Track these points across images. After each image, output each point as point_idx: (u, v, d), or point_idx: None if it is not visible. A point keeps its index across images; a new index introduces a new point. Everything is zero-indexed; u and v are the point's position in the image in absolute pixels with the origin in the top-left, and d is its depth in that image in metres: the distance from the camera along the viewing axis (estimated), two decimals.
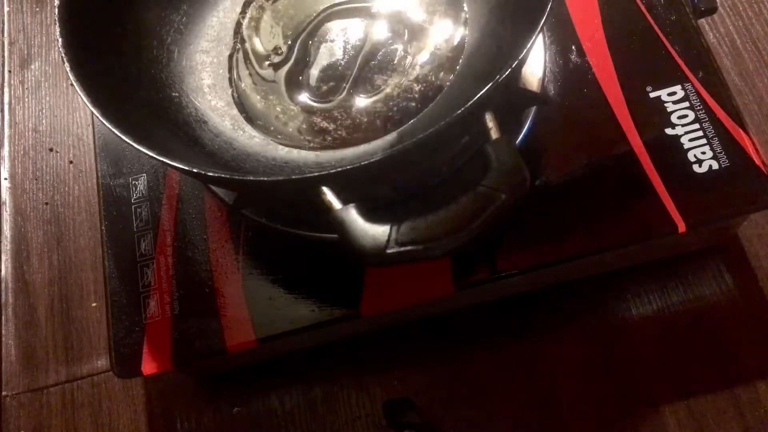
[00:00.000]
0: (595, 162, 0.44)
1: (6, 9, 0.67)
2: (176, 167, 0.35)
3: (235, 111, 0.45)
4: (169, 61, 0.46)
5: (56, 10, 0.38)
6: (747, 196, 0.42)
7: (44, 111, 0.62)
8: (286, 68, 0.46)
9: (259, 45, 0.47)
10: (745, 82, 0.55)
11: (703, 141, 0.43)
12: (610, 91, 0.45)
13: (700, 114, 0.44)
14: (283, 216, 0.43)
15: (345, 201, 0.32)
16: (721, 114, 0.44)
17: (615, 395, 0.47)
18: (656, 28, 0.47)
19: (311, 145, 0.43)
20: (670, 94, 0.45)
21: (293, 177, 0.34)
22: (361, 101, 0.44)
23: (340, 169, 0.32)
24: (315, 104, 0.45)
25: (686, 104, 0.44)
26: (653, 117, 0.44)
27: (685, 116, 0.44)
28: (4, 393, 0.52)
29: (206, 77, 0.47)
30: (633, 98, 0.45)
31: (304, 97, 0.45)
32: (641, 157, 0.43)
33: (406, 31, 0.46)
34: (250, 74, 0.46)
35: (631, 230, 0.42)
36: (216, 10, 0.49)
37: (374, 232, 0.31)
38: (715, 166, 0.42)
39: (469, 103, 0.32)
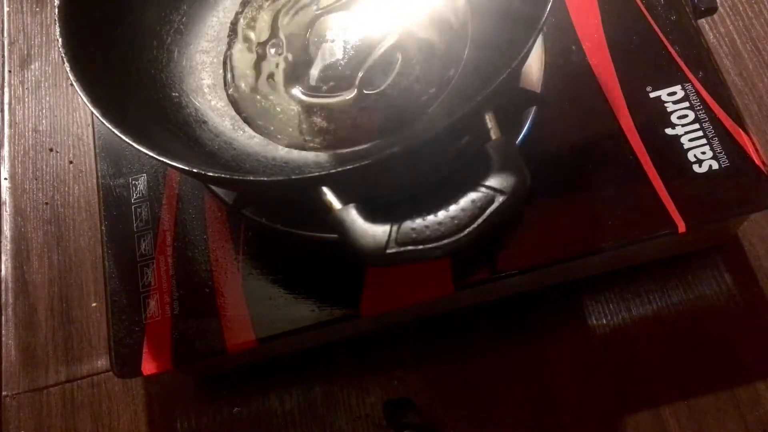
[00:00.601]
0: (595, 162, 0.44)
1: (6, 9, 0.67)
2: (176, 167, 0.35)
3: (234, 111, 0.45)
4: (169, 61, 0.46)
5: (56, 10, 0.38)
6: (747, 196, 0.42)
7: (44, 111, 0.62)
8: (286, 68, 0.46)
9: (259, 45, 0.47)
10: (745, 82, 0.55)
11: (703, 141, 0.43)
12: (610, 91, 0.45)
13: (700, 114, 0.44)
14: (283, 216, 0.43)
15: (345, 201, 0.32)
16: (721, 114, 0.44)
17: (615, 395, 0.47)
18: (656, 28, 0.47)
19: (311, 145, 0.43)
20: (670, 94, 0.45)
21: (293, 177, 0.34)
22: (362, 101, 0.44)
23: (340, 169, 0.32)
24: (315, 104, 0.45)
25: (686, 104, 0.44)
26: (653, 117, 0.44)
27: (685, 116, 0.44)
28: (4, 393, 0.52)
29: (206, 77, 0.47)
30: (633, 98, 0.45)
31: (304, 97, 0.45)
32: (641, 157, 0.43)
33: (407, 31, 0.46)
34: (250, 74, 0.46)
35: (631, 230, 0.42)
36: (216, 10, 0.49)
37: (374, 232, 0.31)
38: (715, 166, 0.42)
39: (469, 104, 0.32)
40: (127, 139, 0.34)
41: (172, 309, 0.43)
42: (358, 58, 0.45)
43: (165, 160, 0.34)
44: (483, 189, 0.31)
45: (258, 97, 0.46)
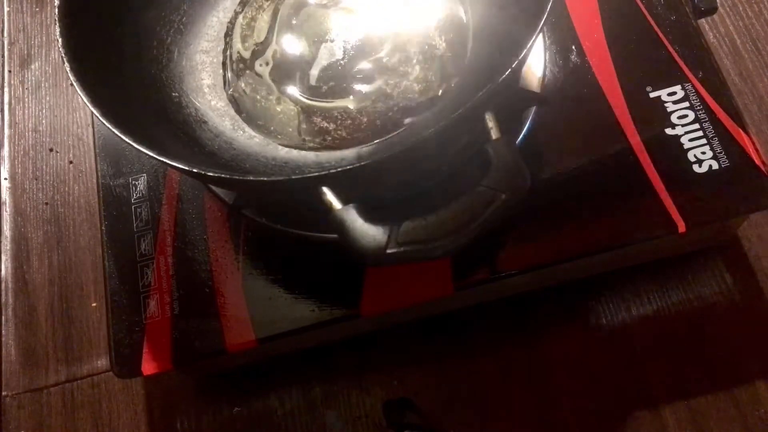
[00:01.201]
0: (595, 162, 0.44)
1: (6, 9, 0.67)
2: (176, 167, 0.35)
3: (234, 111, 0.45)
4: (169, 61, 0.46)
5: (56, 10, 0.38)
6: (747, 196, 0.42)
7: (44, 111, 0.62)
8: (286, 68, 0.46)
9: (259, 45, 0.47)
10: (745, 82, 0.55)
11: (703, 141, 0.43)
12: (610, 91, 0.45)
13: (700, 114, 0.44)
14: (283, 216, 0.43)
15: (345, 201, 0.32)
16: (721, 114, 0.44)
17: (615, 395, 0.47)
18: (656, 28, 0.47)
19: (311, 145, 0.43)
20: (670, 94, 0.45)
21: (293, 177, 0.34)
22: (362, 101, 0.44)
23: (340, 169, 0.32)
24: (315, 104, 0.45)
25: (686, 104, 0.44)
26: (653, 117, 0.44)
27: (685, 116, 0.44)
28: (4, 393, 0.52)
29: (206, 77, 0.47)
30: (633, 98, 0.45)
31: (304, 97, 0.45)
32: (641, 157, 0.43)
33: (408, 31, 0.46)
34: (250, 74, 0.46)
35: (631, 230, 0.42)
36: (216, 10, 0.49)
37: (374, 232, 0.31)
38: (715, 166, 0.42)
39: (470, 103, 0.32)
40: (127, 139, 0.34)
41: (172, 309, 0.43)
42: (359, 58, 0.45)
43: (165, 160, 0.34)
44: (483, 188, 0.31)
45: (258, 97, 0.46)
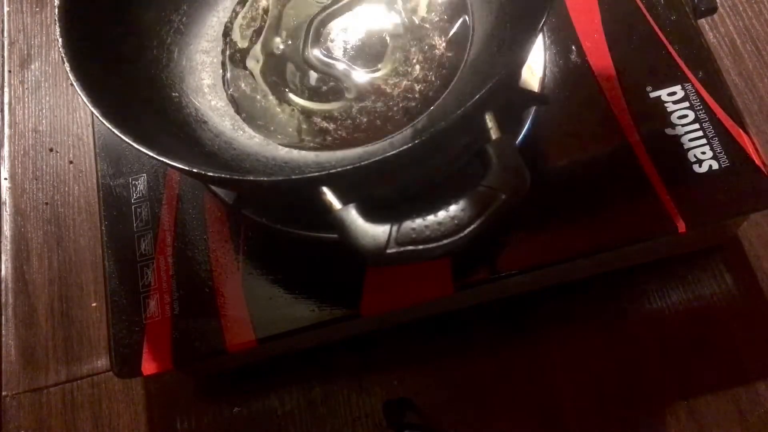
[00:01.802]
0: (595, 162, 0.44)
1: (6, 9, 0.67)
2: (176, 167, 0.35)
3: (234, 111, 0.45)
4: (169, 61, 0.46)
5: (56, 10, 0.38)
6: (747, 196, 0.42)
7: (44, 111, 0.63)
8: (286, 68, 0.46)
9: (259, 45, 0.47)
10: (745, 82, 0.55)
11: (703, 141, 0.43)
12: (610, 91, 0.45)
13: (700, 114, 0.44)
14: (283, 216, 0.43)
15: (345, 201, 0.32)
16: (721, 114, 0.44)
17: (615, 395, 0.47)
18: (656, 28, 0.47)
19: (311, 145, 0.43)
20: (670, 94, 0.45)
21: (293, 177, 0.34)
22: (362, 101, 0.44)
23: (340, 169, 0.32)
24: (315, 104, 0.45)
25: (686, 104, 0.44)
26: (653, 117, 0.44)
27: (685, 116, 0.44)
28: (4, 393, 0.52)
29: (206, 77, 0.47)
30: (633, 98, 0.45)
31: (304, 97, 0.45)
32: (641, 157, 0.43)
33: (408, 31, 0.46)
34: (250, 74, 0.46)
35: (631, 230, 0.42)
36: (216, 10, 0.49)
37: (374, 232, 0.31)
38: (715, 166, 0.42)
39: (469, 103, 0.32)
40: (127, 139, 0.34)
41: (172, 309, 0.43)
42: (359, 58, 0.45)
43: (165, 160, 0.34)
44: (483, 188, 0.31)
45: (258, 97, 0.46)
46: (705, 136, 0.43)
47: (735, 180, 0.42)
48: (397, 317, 0.48)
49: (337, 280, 0.43)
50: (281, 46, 0.47)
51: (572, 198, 0.43)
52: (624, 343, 0.49)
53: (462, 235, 0.31)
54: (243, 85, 0.46)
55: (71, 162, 0.60)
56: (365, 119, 0.44)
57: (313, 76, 0.46)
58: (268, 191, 0.39)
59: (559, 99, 0.46)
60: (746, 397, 0.46)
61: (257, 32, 0.48)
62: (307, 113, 0.45)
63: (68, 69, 0.37)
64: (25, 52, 0.65)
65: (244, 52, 0.47)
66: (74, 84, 0.36)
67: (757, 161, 0.42)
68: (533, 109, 0.44)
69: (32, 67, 0.65)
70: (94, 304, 0.54)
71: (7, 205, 0.59)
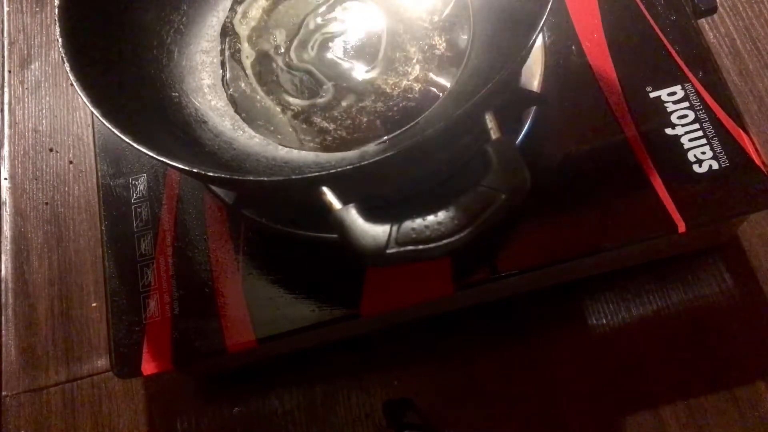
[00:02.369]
0: (595, 162, 0.44)
1: (6, 9, 0.67)
2: (176, 167, 0.35)
3: (234, 111, 0.45)
4: (169, 61, 0.46)
5: (56, 10, 0.38)
6: (747, 196, 0.42)
7: (44, 111, 0.63)
8: (285, 68, 0.46)
9: (259, 44, 0.47)
10: (745, 82, 0.55)
11: (703, 141, 0.43)
12: (610, 91, 0.45)
13: (700, 114, 0.44)
14: (283, 216, 0.43)
15: (345, 201, 0.32)
16: (721, 114, 0.44)
17: (615, 395, 0.47)
18: (656, 28, 0.47)
19: (311, 145, 0.43)
20: (670, 94, 0.45)
21: (293, 177, 0.34)
22: (362, 101, 0.44)
23: (340, 169, 0.32)
24: (315, 104, 0.45)
25: (686, 104, 0.44)
26: (653, 117, 0.44)
27: (685, 116, 0.44)
28: (4, 393, 0.52)
29: (206, 77, 0.47)
30: (633, 98, 0.45)
31: (303, 98, 0.45)
32: (641, 157, 0.43)
33: (408, 31, 0.46)
34: (250, 74, 0.46)
35: (631, 230, 0.42)
36: (216, 10, 0.49)
37: (374, 232, 0.31)
38: (715, 166, 0.42)
39: (469, 104, 0.32)
40: (127, 139, 0.34)
41: (172, 309, 0.43)
42: (358, 58, 0.45)
43: (165, 160, 0.34)
44: (483, 188, 0.31)
45: (258, 97, 0.46)
46: (705, 136, 0.43)
47: (735, 180, 0.42)
48: (397, 317, 0.48)
49: (337, 280, 0.43)
50: (281, 46, 0.47)
51: (572, 198, 0.43)
52: (624, 343, 0.49)
53: (462, 234, 0.31)
54: (243, 85, 0.46)
55: (71, 162, 0.60)
56: (365, 119, 0.44)
57: (313, 76, 0.46)
58: (268, 191, 0.39)
59: (559, 99, 0.46)
60: (746, 397, 0.46)
61: (257, 32, 0.48)
62: (306, 113, 0.45)
63: (68, 69, 0.37)
64: (25, 52, 0.65)
65: (244, 52, 0.47)
66: (74, 84, 0.36)
67: (757, 161, 0.42)
68: (533, 109, 0.44)
69: (32, 67, 0.65)
70: (94, 304, 0.54)
71: (7, 205, 0.59)
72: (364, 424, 0.49)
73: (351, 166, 0.32)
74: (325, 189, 0.32)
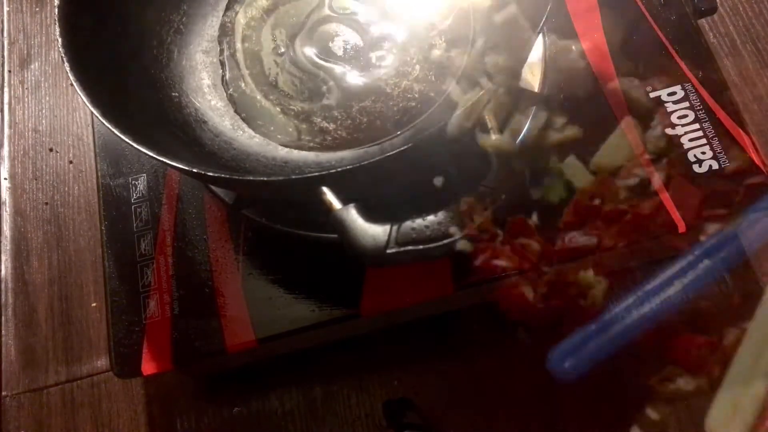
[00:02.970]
0: None
1: (6, 9, 0.67)
2: (176, 167, 0.35)
3: (234, 111, 0.45)
4: (169, 61, 0.46)
5: (56, 9, 0.38)
6: (747, 196, 0.42)
7: (44, 111, 0.62)
8: (286, 68, 0.46)
9: (259, 44, 0.47)
10: (745, 82, 0.55)
11: (703, 141, 0.43)
12: (610, 91, 0.45)
13: (700, 114, 0.44)
14: (283, 216, 0.43)
15: (345, 201, 0.32)
16: (721, 114, 0.44)
17: (615, 395, 0.47)
18: (656, 28, 0.47)
19: (311, 145, 0.43)
20: (670, 94, 0.45)
21: (293, 177, 0.34)
22: (362, 101, 0.44)
23: (340, 169, 0.32)
24: (315, 104, 0.45)
25: (686, 104, 0.44)
26: (653, 117, 0.44)
27: (685, 116, 0.44)
28: (4, 393, 0.52)
29: (206, 77, 0.47)
30: (633, 98, 0.45)
31: (303, 97, 0.45)
32: (641, 156, 0.43)
33: (408, 31, 0.46)
34: (250, 74, 0.46)
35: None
36: (216, 10, 0.49)
37: (374, 232, 0.31)
38: (715, 166, 0.42)
39: (468, 103, 0.32)
40: (127, 139, 0.35)
41: (171, 309, 0.43)
42: (359, 58, 0.45)
43: (165, 160, 0.34)
44: (483, 189, 0.31)
45: (258, 97, 0.46)
46: (705, 136, 0.43)
47: (735, 180, 0.42)
48: (397, 317, 0.48)
49: (337, 280, 0.43)
50: (281, 46, 0.47)
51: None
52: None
53: (462, 234, 0.31)
54: (243, 85, 0.46)
55: (71, 162, 0.60)
56: (365, 119, 0.44)
57: (312, 76, 0.46)
58: (268, 191, 0.39)
59: (559, 99, 0.45)
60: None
61: (257, 32, 0.48)
62: (306, 113, 0.45)
63: (68, 69, 0.37)
64: (25, 52, 0.65)
65: (244, 52, 0.47)
66: (74, 84, 0.36)
67: (757, 161, 0.42)
68: (533, 109, 0.44)
69: (32, 67, 0.64)
70: (94, 304, 0.54)
71: (7, 205, 0.59)
72: (364, 424, 0.49)
73: (351, 166, 0.32)
74: (325, 189, 0.32)
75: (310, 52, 0.46)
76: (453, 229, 0.31)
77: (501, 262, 0.31)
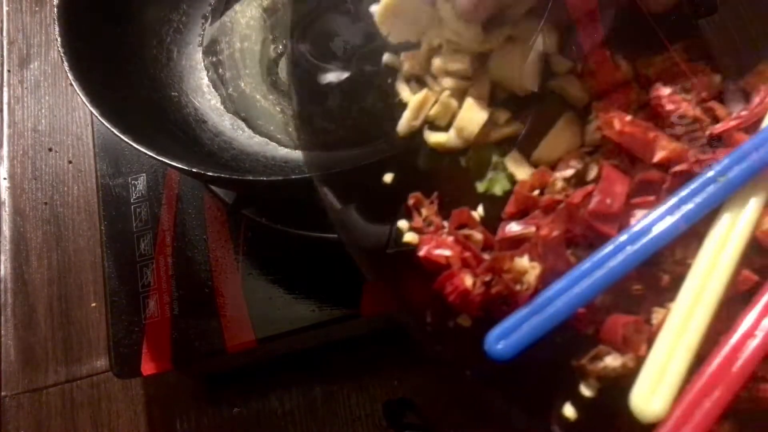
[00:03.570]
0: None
1: (5, 9, 0.67)
2: (176, 167, 0.35)
3: (234, 111, 0.45)
4: (169, 60, 0.46)
5: (56, 9, 0.38)
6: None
7: (43, 111, 0.62)
8: (285, 68, 0.46)
9: (259, 44, 0.47)
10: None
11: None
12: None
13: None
14: (283, 216, 0.43)
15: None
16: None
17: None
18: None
19: (311, 145, 0.43)
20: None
21: (293, 177, 0.34)
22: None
23: (340, 169, 0.32)
24: (315, 104, 0.45)
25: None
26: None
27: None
28: (4, 393, 0.52)
29: (206, 77, 0.47)
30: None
31: (304, 97, 0.45)
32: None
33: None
34: (250, 74, 0.46)
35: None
36: (216, 10, 0.49)
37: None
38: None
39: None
40: (126, 139, 0.34)
41: (171, 309, 0.43)
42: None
43: (165, 160, 0.34)
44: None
45: (258, 96, 0.46)
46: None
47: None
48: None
49: (337, 280, 0.43)
50: (281, 46, 0.47)
51: None
52: None
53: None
54: (242, 84, 0.46)
55: (70, 162, 0.60)
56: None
57: (312, 75, 0.45)
58: (267, 191, 0.39)
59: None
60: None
61: (257, 31, 0.48)
62: (306, 113, 0.45)
63: (68, 69, 0.37)
64: (25, 51, 0.65)
65: (244, 52, 0.47)
66: (74, 84, 0.36)
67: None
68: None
69: (31, 66, 0.64)
70: (93, 304, 0.54)
71: (7, 205, 0.59)
72: (364, 424, 0.49)
73: (351, 166, 0.32)
74: (325, 189, 0.32)
75: (309, 51, 0.46)
76: (401, 223, 0.31)
77: (443, 252, 0.31)
